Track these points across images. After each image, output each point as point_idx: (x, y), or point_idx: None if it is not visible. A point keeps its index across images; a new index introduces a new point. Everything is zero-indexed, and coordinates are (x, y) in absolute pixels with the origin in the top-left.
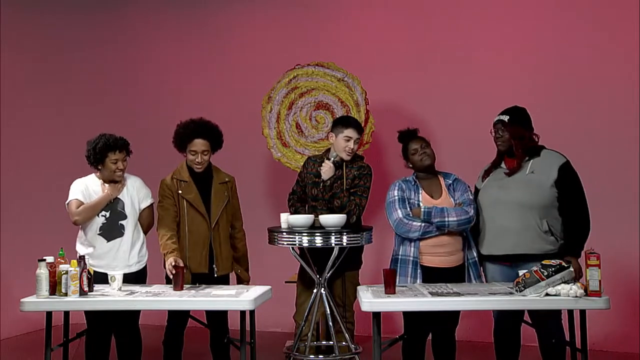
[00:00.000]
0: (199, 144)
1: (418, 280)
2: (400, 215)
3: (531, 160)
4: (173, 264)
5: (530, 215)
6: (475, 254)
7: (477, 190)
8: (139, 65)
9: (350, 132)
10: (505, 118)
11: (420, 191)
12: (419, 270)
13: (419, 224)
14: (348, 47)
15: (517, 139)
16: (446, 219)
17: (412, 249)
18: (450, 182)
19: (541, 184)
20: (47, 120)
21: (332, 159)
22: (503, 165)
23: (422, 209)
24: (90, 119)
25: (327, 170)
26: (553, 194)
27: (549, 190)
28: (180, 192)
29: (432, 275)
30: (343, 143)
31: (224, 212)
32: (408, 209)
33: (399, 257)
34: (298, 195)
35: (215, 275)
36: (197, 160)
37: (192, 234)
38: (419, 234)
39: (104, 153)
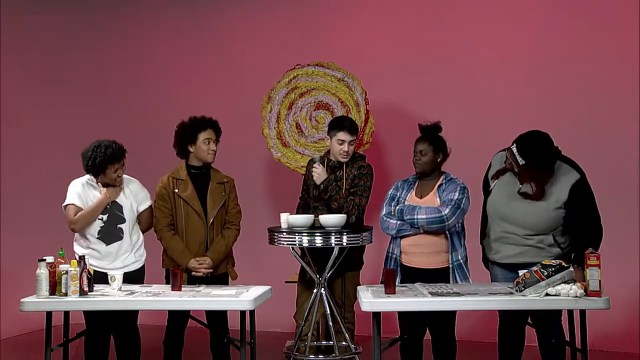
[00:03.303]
0: (210, 132)
1: (397, 279)
2: (383, 213)
3: None
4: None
5: (534, 233)
6: (460, 257)
7: (487, 186)
8: (139, 66)
9: (343, 135)
10: (521, 162)
11: (412, 191)
12: (398, 269)
13: (395, 221)
14: (348, 47)
15: (531, 178)
16: (415, 217)
17: (396, 247)
18: (443, 181)
19: (548, 207)
20: (46, 120)
21: (317, 162)
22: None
23: (397, 207)
24: (89, 119)
25: (317, 175)
26: (559, 215)
27: (554, 212)
28: (176, 190)
29: (411, 275)
30: (337, 146)
31: (220, 212)
32: (393, 207)
33: (387, 254)
34: (304, 201)
35: (210, 275)
36: (211, 148)
37: (189, 233)
38: (394, 231)
39: (104, 166)
